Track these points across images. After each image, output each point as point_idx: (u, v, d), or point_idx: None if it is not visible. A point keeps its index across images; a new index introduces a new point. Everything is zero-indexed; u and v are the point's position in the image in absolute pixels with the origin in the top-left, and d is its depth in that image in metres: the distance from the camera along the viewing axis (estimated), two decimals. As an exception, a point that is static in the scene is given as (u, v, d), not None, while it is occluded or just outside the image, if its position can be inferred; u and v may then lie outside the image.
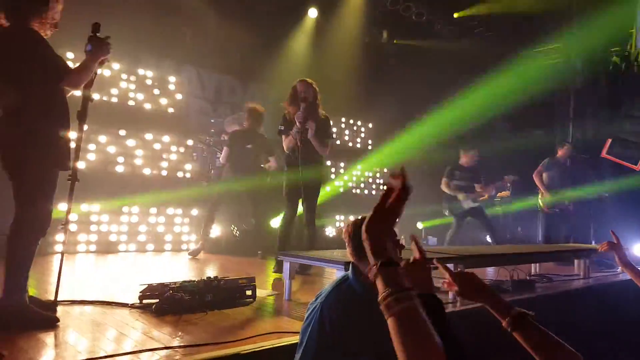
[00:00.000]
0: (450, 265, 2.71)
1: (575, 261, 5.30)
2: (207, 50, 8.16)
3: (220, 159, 6.62)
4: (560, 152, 7.40)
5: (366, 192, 10.28)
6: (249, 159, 6.39)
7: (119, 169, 6.89)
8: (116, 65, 7.08)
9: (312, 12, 8.66)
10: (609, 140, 7.76)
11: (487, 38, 8.89)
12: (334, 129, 8.36)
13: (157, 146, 7.35)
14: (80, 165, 6.21)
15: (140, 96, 7.33)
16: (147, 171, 7.18)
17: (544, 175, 7.34)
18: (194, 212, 7.34)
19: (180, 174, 7.53)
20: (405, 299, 0.93)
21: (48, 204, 2.68)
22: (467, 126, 8.85)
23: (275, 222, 7.30)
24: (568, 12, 7.78)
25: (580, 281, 4.83)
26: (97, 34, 2.81)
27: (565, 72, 7.95)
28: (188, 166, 7.61)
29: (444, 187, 7.45)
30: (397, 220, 1.22)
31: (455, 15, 8.89)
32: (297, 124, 4.73)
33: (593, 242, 7.17)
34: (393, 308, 0.92)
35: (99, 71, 2.92)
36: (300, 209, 5.05)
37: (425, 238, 9.21)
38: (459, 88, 8.44)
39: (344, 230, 2.07)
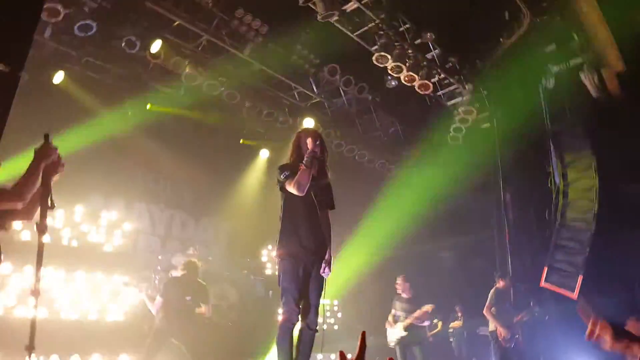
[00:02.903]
0: None
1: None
2: (159, 187, 7.94)
3: (153, 310, 5.79)
4: (500, 283, 7.19)
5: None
6: (187, 310, 5.72)
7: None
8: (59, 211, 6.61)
9: (264, 153, 8.75)
10: (545, 269, 7.75)
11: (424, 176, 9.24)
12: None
13: (92, 287, 6.62)
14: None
15: (84, 235, 6.80)
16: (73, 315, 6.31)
17: (494, 309, 7.00)
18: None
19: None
20: None
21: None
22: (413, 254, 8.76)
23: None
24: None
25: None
26: None
27: (499, 207, 8.17)
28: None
29: None
30: None
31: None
32: (309, 151, 3.70)
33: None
34: None
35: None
36: None
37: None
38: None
39: None
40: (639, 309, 7.36)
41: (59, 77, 6.50)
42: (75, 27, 6.02)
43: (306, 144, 3.79)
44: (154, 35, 6.48)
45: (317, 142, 3.78)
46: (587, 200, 7.22)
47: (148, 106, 7.43)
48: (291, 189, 3.67)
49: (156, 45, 6.54)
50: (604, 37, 6.65)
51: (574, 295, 7.31)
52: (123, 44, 6.34)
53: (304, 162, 3.69)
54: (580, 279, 7.37)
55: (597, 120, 7.12)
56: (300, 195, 3.66)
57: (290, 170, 3.75)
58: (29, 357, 2.36)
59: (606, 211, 7.11)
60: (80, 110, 6.68)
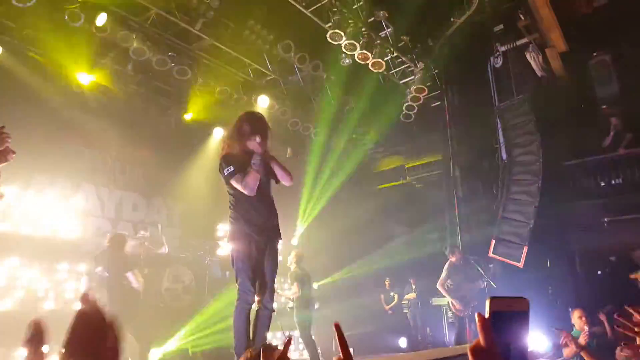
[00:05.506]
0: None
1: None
2: (108, 168, 7.67)
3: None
4: (453, 258, 7.48)
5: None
6: (128, 287, 5.77)
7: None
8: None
9: (218, 132, 8.62)
10: (493, 241, 8.16)
11: (377, 154, 9.43)
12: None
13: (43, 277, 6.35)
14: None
15: (28, 221, 6.50)
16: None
17: (449, 282, 7.30)
18: None
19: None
20: None
21: None
22: (369, 233, 8.97)
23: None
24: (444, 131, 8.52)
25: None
26: None
27: (449, 182, 8.49)
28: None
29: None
30: None
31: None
32: (256, 152, 3.54)
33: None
34: None
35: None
36: None
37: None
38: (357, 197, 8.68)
39: None
40: (578, 279, 7.94)
41: (-6, 51, 6.11)
42: (12, -3, 5.66)
43: (251, 137, 3.60)
44: (99, 8, 6.22)
45: (263, 141, 3.61)
46: (532, 174, 7.64)
47: (93, 78, 7.09)
48: (239, 187, 3.52)
49: (102, 19, 6.28)
50: (548, 18, 7.01)
51: (520, 264, 7.78)
52: (66, 17, 6.06)
53: (252, 165, 3.52)
54: (525, 249, 7.84)
55: (541, 98, 7.51)
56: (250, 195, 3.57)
57: (234, 164, 3.52)
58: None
59: (549, 185, 7.57)
60: (21, 86, 6.32)
